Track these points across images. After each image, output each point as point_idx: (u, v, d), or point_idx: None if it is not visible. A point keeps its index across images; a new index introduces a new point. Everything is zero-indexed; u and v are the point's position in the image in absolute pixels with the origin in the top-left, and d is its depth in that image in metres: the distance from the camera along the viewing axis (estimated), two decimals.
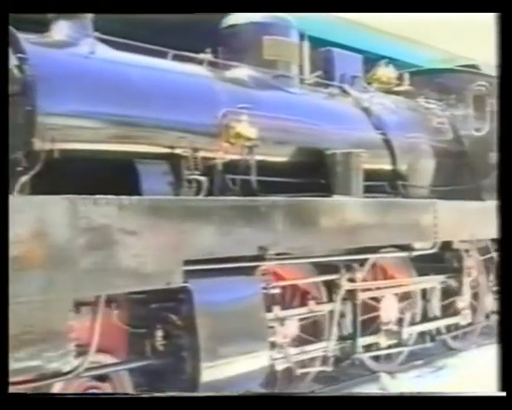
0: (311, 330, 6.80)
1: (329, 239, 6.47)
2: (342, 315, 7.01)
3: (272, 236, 5.80)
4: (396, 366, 7.86)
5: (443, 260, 8.36)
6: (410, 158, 8.18)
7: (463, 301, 8.51)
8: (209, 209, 5.38)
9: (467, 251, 8.41)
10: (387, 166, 7.96)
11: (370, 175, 7.54)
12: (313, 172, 6.92)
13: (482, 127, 8.98)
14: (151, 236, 4.91)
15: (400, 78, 9.10)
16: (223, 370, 5.27)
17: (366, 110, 7.95)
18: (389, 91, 8.90)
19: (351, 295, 6.98)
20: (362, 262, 7.23)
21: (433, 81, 9.52)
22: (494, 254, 9.05)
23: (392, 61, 9.48)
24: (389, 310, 7.64)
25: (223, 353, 5.30)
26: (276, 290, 6.13)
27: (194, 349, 5.17)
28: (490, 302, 9.35)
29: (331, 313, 6.81)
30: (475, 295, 9.12)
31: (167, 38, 7.00)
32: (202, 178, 5.74)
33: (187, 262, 5.14)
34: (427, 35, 13.03)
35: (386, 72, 8.98)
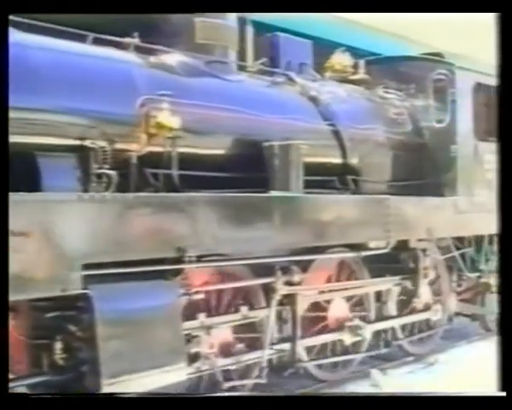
0: (247, 339, 6.25)
1: (266, 239, 5.94)
2: (284, 322, 6.47)
3: (193, 236, 5.27)
4: (347, 373, 7.31)
5: (398, 260, 7.80)
6: (362, 151, 7.61)
7: (421, 303, 7.98)
8: (116, 206, 4.84)
9: (424, 251, 7.85)
10: (337, 160, 7.39)
11: (318, 169, 7.03)
12: (250, 166, 6.36)
13: (443, 118, 8.41)
14: (45, 237, 4.38)
15: (356, 66, 8.54)
16: (128, 386, 4.70)
17: (313, 99, 7.37)
18: (345, 80, 8.35)
19: (290, 299, 6.43)
20: (306, 264, 6.73)
21: (393, 70, 8.94)
22: (456, 253, 8.52)
23: (351, 49, 8.94)
24: (338, 315, 7.12)
25: (128, 367, 4.75)
26: (200, 296, 5.59)
27: (95, 363, 4.62)
28: (453, 304, 8.82)
29: (268, 319, 6.26)
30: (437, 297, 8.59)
31: (96, 20, 6.44)
32: (112, 173, 5.18)
33: (88, 266, 4.60)
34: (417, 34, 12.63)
35: (340, 60, 8.43)
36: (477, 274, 8.92)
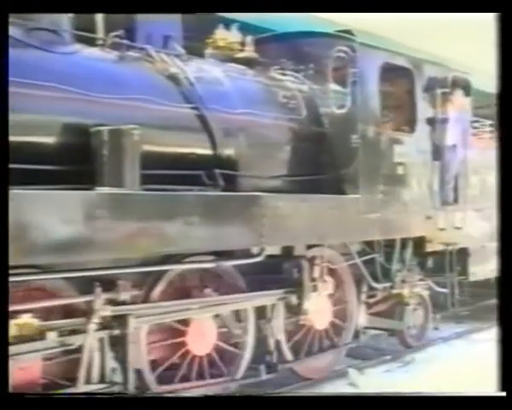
0: (64, 370, 5.04)
1: (88, 246, 4.74)
2: (116, 349, 5.26)
3: None
4: None
5: (283, 270, 6.60)
6: (238, 140, 6.38)
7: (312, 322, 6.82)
8: None
9: (312, 259, 6.65)
10: (204, 151, 6.16)
11: (178, 161, 5.85)
12: (73, 157, 5.15)
13: (344, 103, 7.19)
14: None
15: (244, 43, 7.32)
16: None
17: (174, 79, 6.12)
18: (229, 59, 7.14)
19: (121, 322, 5.20)
20: (156, 277, 5.57)
21: (292, 48, 7.74)
22: (358, 261, 7.32)
23: (245, 26, 7.72)
24: (200, 340, 5.93)
25: None
26: None
27: None
28: (363, 318, 7.63)
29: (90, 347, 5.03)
30: (342, 312, 7.41)
31: None
32: None
33: None
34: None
35: (225, 35, 7.21)
36: (389, 284, 7.74)
